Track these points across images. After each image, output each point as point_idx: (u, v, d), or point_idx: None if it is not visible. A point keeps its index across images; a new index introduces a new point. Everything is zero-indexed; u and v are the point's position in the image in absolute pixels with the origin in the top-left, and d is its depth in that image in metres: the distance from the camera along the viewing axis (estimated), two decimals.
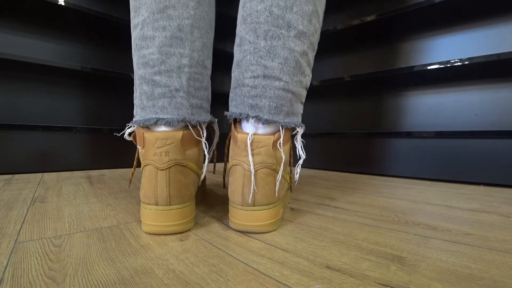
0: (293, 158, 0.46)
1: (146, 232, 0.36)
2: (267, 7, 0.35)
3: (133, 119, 0.39)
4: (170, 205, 0.35)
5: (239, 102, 0.38)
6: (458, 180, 0.89)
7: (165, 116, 0.36)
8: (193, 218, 0.39)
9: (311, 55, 0.40)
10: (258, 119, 0.36)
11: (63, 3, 0.93)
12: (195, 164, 0.39)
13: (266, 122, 0.37)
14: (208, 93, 0.42)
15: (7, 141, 0.93)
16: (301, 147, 0.41)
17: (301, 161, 0.42)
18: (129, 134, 0.40)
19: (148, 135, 0.35)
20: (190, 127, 0.38)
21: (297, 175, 0.43)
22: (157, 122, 0.36)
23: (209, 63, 0.41)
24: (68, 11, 0.97)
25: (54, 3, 0.92)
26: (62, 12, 0.99)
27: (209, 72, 0.42)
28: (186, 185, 0.37)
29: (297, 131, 0.41)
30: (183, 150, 0.36)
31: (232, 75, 0.41)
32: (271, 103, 0.37)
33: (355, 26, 1.07)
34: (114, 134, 0.42)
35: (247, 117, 0.37)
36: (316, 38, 0.40)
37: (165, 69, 0.36)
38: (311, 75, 0.42)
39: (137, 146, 0.38)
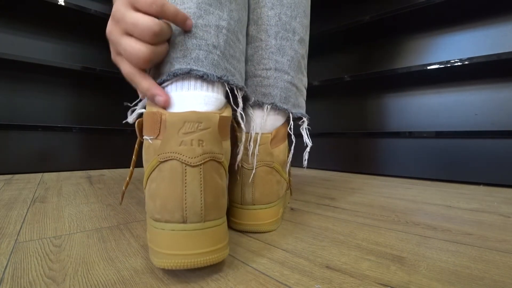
0: (289, 159, 0.46)
1: (165, 268, 0.24)
2: (277, 14, 0.39)
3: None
4: (205, 221, 0.25)
5: (250, 91, 0.39)
6: (458, 180, 0.89)
7: (201, 69, 0.28)
8: (228, 241, 0.28)
9: (306, 61, 0.45)
10: (274, 105, 0.38)
11: (63, 3, 0.93)
12: (226, 161, 0.29)
13: (281, 109, 0.39)
14: (241, 66, 0.35)
15: (7, 141, 0.93)
16: (307, 135, 0.43)
17: (308, 149, 0.43)
18: (137, 120, 0.31)
19: (170, 116, 0.25)
20: (229, 95, 0.31)
21: (305, 162, 0.43)
22: (190, 72, 0.27)
23: (242, 39, 0.36)
24: (68, 11, 0.97)
25: (54, 3, 0.92)
26: (62, 12, 0.99)
27: (242, 47, 0.35)
28: (223, 191, 0.27)
29: (304, 121, 0.43)
30: (220, 139, 0.27)
31: None
32: (281, 93, 0.39)
33: (355, 26, 1.07)
34: (125, 103, 0.34)
35: (262, 104, 0.38)
36: (307, 48, 0.45)
37: (202, 23, 0.30)
38: (307, 78, 0.47)
39: (143, 137, 0.29)
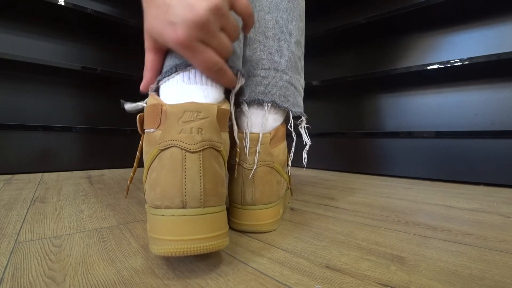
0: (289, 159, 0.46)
1: (165, 255, 0.24)
2: (274, 17, 0.40)
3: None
4: (204, 207, 0.25)
5: (249, 90, 0.40)
6: (458, 180, 0.89)
7: None
8: (228, 231, 0.28)
9: (303, 63, 0.46)
10: (274, 103, 0.39)
11: (63, 3, 0.93)
12: (225, 152, 0.30)
13: (281, 107, 0.40)
14: (239, 63, 0.36)
15: (7, 141, 0.93)
16: (306, 133, 0.43)
17: (307, 147, 0.43)
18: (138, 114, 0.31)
19: (171, 107, 0.26)
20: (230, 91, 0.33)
21: (305, 160, 0.44)
22: (191, 65, 0.29)
23: (241, 36, 0.37)
24: (68, 11, 0.97)
25: (54, 3, 0.92)
26: (62, 12, 0.99)
27: (241, 45, 0.37)
28: (222, 179, 0.28)
29: (302, 119, 0.44)
30: (219, 130, 0.28)
31: None
32: (280, 92, 0.40)
33: (355, 26, 1.07)
34: (122, 102, 0.33)
35: (263, 103, 0.39)
36: (303, 51, 0.46)
37: None
38: (304, 80, 0.47)
39: (144, 131, 0.29)
